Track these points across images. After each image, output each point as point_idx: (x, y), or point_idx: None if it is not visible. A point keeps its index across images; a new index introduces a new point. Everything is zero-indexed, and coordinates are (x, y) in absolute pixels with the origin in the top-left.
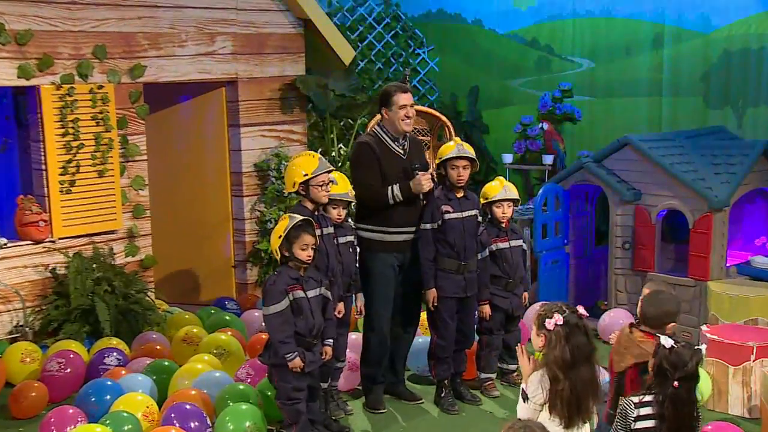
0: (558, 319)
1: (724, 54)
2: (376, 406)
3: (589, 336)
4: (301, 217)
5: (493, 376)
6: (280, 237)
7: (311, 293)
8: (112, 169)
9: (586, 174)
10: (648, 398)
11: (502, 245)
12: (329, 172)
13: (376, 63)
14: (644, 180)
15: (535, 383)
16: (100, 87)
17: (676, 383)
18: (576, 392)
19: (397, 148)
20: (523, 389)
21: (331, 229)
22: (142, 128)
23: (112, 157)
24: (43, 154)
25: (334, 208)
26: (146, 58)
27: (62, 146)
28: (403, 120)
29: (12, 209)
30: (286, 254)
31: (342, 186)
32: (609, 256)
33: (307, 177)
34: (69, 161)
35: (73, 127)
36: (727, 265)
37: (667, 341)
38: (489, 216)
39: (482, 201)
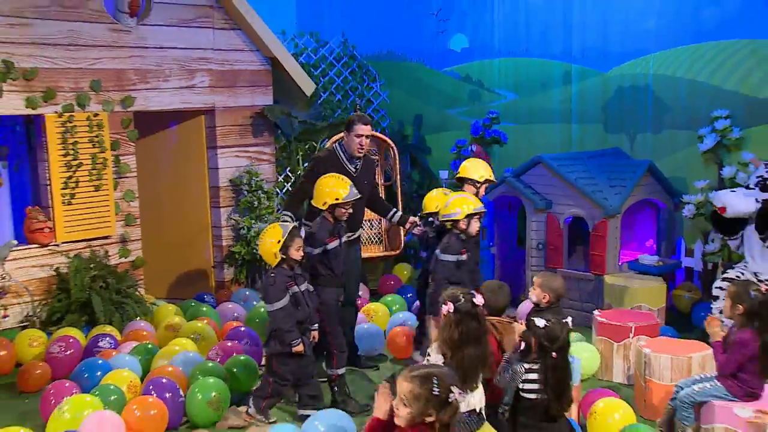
0: (450, 306)
1: (618, 89)
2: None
3: (481, 321)
4: (293, 224)
5: None
6: (279, 242)
7: (302, 287)
8: (107, 184)
9: (507, 187)
10: (534, 367)
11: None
12: (356, 199)
13: (336, 95)
14: (554, 192)
15: (434, 353)
16: (96, 115)
17: (554, 354)
18: (462, 367)
19: (350, 167)
20: (428, 351)
21: (344, 238)
22: (132, 149)
23: (106, 174)
24: (48, 171)
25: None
26: (135, 91)
27: (64, 165)
28: (357, 147)
29: (23, 218)
30: (283, 256)
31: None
32: (526, 256)
33: (338, 201)
34: (69, 177)
35: (73, 149)
36: (621, 262)
37: (540, 321)
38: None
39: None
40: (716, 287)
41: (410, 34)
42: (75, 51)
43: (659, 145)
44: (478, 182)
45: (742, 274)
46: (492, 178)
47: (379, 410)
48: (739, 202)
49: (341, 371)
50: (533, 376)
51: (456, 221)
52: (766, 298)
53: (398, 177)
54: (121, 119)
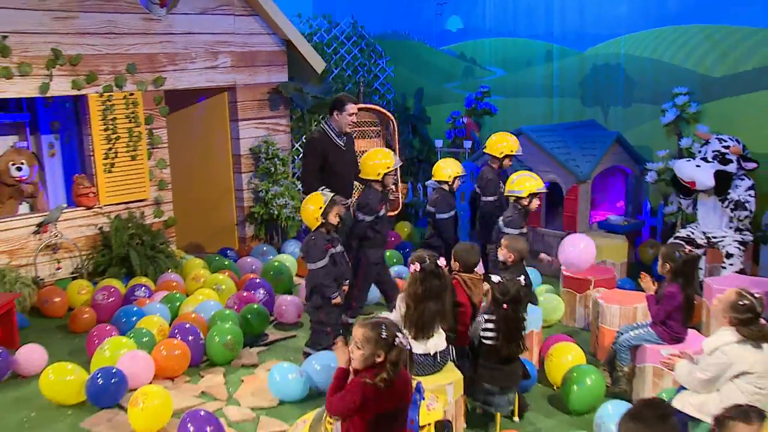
0: (417, 266)
1: (593, 67)
2: None
3: (443, 279)
4: (332, 194)
5: None
6: (320, 208)
7: (338, 249)
8: (141, 154)
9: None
10: (491, 317)
11: None
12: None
13: (346, 70)
14: (533, 159)
15: (399, 303)
16: (132, 94)
17: (505, 306)
18: (422, 319)
19: (339, 142)
20: (397, 303)
21: (387, 206)
22: (163, 123)
23: (141, 145)
24: (91, 144)
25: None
26: (166, 72)
27: (104, 138)
28: (347, 123)
29: (69, 185)
30: (323, 221)
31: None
32: None
33: (389, 169)
34: (109, 149)
35: (112, 124)
36: (592, 221)
37: (495, 278)
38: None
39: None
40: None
41: (412, 15)
42: (113, 39)
43: (628, 118)
44: (448, 182)
45: (693, 233)
46: (460, 172)
47: (341, 361)
48: (706, 179)
49: (352, 321)
50: (490, 325)
51: (519, 198)
52: (688, 258)
53: (398, 147)
54: (153, 97)
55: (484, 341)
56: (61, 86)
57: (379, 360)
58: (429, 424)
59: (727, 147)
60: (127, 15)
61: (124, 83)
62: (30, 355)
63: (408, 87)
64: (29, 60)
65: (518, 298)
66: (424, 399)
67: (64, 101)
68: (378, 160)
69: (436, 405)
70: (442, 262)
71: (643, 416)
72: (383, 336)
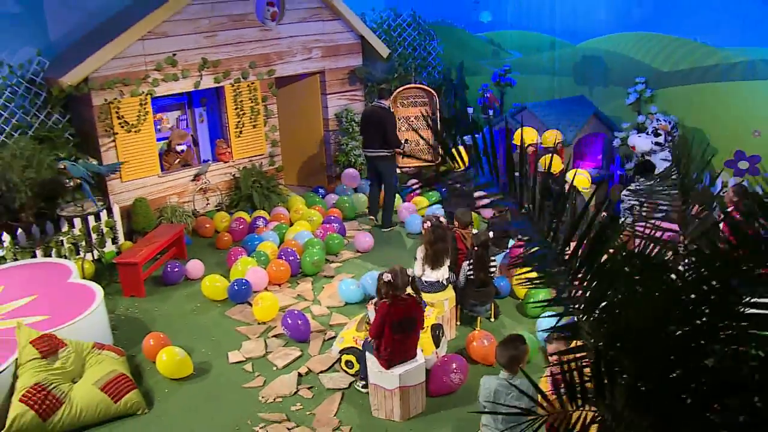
0: (428, 225)
1: (583, 56)
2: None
3: (445, 231)
4: None
5: None
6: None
7: None
8: (259, 123)
9: (508, 122)
10: (470, 261)
11: None
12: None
13: (407, 49)
14: (533, 127)
15: (419, 250)
16: (253, 83)
17: (477, 248)
18: (434, 255)
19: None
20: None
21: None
22: (274, 100)
23: (259, 117)
24: (227, 117)
25: None
26: (275, 65)
27: (235, 114)
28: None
29: (214, 146)
30: None
31: None
32: None
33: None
34: (239, 121)
35: (240, 104)
36: None
37: (474, 231)
38: None
39: None
40: (623, 194)
41: (457, 8)
42: (240, 46)
43: (606, 96)
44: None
45: (640, 185)
46: None
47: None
48: (642, 145)
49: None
50: (471, 266)
51: None
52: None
53: (439, 114)
54: (267, 83)
55: (468, 276)
56: (207, 82)
57: (384, 291)
58: (426, 327)
59: (660, 124)
60: (249, 29)
61: (248, 75)
62: (194, 266)
63: (453, 61)
64: (188, 66)
65: (486, 243)
66: (424, 310)
67: (212, 92)
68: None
69: (431, 314)
70: (442, 219)
71: (505, 342)
72: (379, 282)
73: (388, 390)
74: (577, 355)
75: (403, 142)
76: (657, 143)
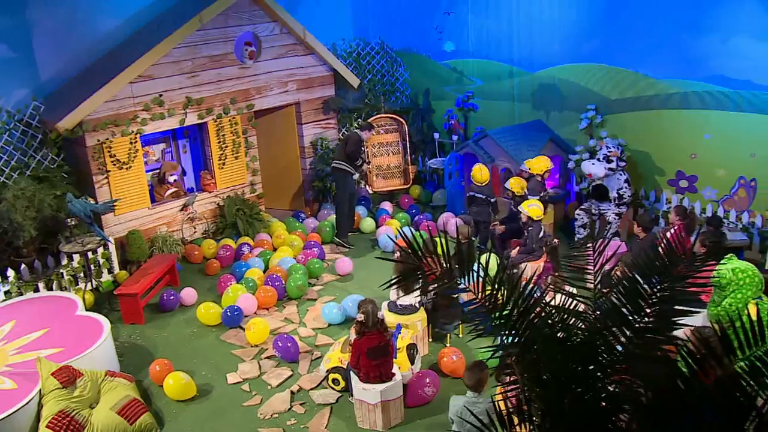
0: (398, 255)
1: (540, 84)
2: None
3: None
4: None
5: None
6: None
7: None
8: (241, 154)
9: (471, 148)
10: None
11: None
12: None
13: (376, 75)
14: (495, 152)
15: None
16: (234, 117)
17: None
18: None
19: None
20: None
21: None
22: (254, 132)
23: (240, 148)
24: (210, 150)
25: None
26: (254, 99)
27: (218, 147)
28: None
29: (198, 176)
30: None
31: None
32: None
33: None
34: (221, 153)
35: (223, 137)
36: None
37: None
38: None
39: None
40: (576, 212)
41: (422, 38)
42: (220, 84)
43: (562, 121)
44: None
45: (592, 204)
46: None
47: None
48: (597, 171)
49: None
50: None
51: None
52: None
53: (408, 140)
54: (247, 117)
55: (434, 300)
56: (192, 119)
57: (357, 329)
58: (402, 348)
59: (610, 151)
60: (228, 68)
61: (229, 111)
62: (188, 293)
63: (419, 88)
64: (173, 105)
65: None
66: (400, 333)
67: (196, 128)
68: (543, 164)
69: (406, 335)
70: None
71: (471, 367)
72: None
73: (371, 404)
74: (512, 387)
75: (366, 162)
76: (610, 168)
